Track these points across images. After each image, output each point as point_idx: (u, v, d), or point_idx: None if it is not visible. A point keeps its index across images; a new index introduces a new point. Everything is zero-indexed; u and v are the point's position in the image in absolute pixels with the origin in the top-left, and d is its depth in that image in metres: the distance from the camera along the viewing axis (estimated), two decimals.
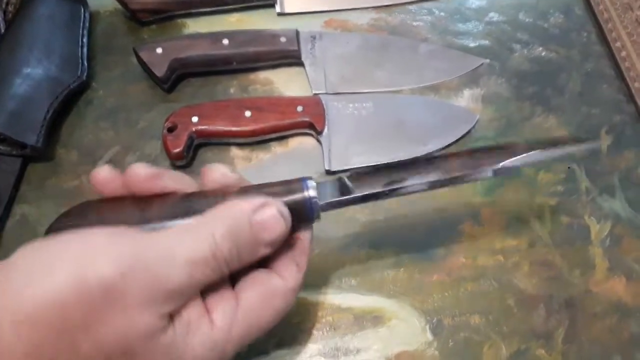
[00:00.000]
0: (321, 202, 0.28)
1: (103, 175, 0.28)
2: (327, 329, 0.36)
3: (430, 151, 0.44)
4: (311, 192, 0.28)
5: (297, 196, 0.28)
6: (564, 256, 0.40)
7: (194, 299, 0.25)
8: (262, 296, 0.27)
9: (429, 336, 0.36)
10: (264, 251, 0.27)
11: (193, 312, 0.24)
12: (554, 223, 0.41)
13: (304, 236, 0.29)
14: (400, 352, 0.36)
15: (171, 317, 0.24)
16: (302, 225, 0.29)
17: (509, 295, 0.38)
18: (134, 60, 0.46)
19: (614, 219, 0.41)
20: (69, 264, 0.21)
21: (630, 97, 0.48)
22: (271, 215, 0.26)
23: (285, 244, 0.28)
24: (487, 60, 0.49)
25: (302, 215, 0.28)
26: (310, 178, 0.29)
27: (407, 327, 0.37)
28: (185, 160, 0.42)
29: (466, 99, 0.47)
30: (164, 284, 0.23)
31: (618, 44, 0.50)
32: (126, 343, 0.22)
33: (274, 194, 0.28)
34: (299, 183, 0.28)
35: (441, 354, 0.36)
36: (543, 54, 0.50)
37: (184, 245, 0.24)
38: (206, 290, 0.26)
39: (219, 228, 0.25)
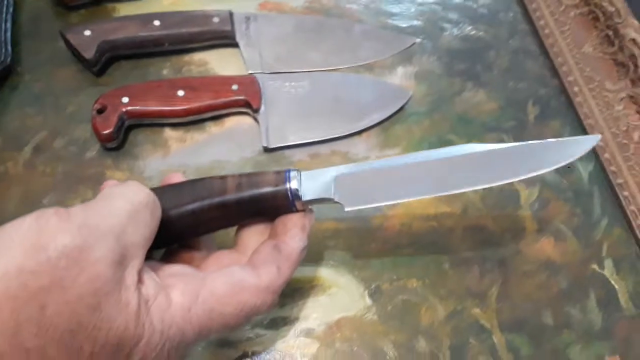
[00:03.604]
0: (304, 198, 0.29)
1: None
2: None
3: (366, 127, 0.44)
4: (292, 184, 0.28)
5: (278, 188, 0.28)
6: (496, 220, 0.41)
7: (145, 271, 0.25)
8: (229, 285, 0.26)
9: (368, 301, 0.37)
10: None
11: (150, 285, 0.24)
12: (485, 190, 0.42)
13: (295, 244, 0.29)
14: (340, 318, 0.36)
15: (135, 287, 0.23)
16: (279, 212, 0.29)
17: (445, 259, 0.39)
18: (62, 44, 0.45)
19: (541, 184, 0.43)
20: (26, 237, 0.21)
21: (554, 72, 0.50)
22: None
23: (273, 246, 0.28)
24: (419, 40, 0.50)
25: (281, 201, 0.29)
26: (294, 169, 0.29)
27: (346, 294, 0.37)
28: (116, 142, 0.41)
29: (400, 76, 0.48)
30: (120, 235, 0.23)
31: (542, 22, 0.53)
32: (94, 299, 0.21)
33: (256, 184, 0.28)
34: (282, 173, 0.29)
35: (380, 318, 0.36)
36: (472, 32, 0.52)
37: (125, 197, 0.25)
38: (173, 273, 0.26)
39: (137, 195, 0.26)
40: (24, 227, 0.21)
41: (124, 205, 0.24)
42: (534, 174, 0.30)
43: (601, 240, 0.41)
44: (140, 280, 0.24)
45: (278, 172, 0.29)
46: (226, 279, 0.26)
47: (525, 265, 0.40)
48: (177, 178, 0.31)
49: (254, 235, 0.30)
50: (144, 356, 0.23)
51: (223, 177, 0.29)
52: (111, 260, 0.22)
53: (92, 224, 0.22)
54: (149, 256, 0.26)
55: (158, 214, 0.26)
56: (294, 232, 0.29)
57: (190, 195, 0.28)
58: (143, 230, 0.24)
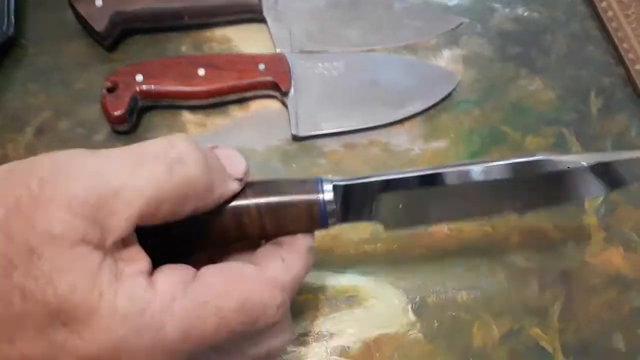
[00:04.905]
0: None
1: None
2: (295, 311, 0.31)
3: (408, 114, 0.39)
4: (326, 195, 0.24)
5: (310, 197, 0.24)
6: (557, 226, 0.36)
7: (134, 245, 0.20)
8: (227, 276, 0.21)
9: (411, 317, 0.32)
10: (233, 185, 0.23)
11: (133, 258, 0.19)
12: None
13: (297, 239, 0.24)
14: (379, 335, 0.31)
15: (104, 251, 0.19)
16: (305, 229, 0.24)
17: (499, 269, 0.34)
18: (71, 15, 0.40)
19: None
20: None
21: (619, 59, 0.45)
22: (229, 150, 0.23)
23: (272, 242, 0.24)
24: (467, 20, 0.45)
25: (311, 217, 0.24)
26: (327, 179, 0.24)
27: (386, 307, 0.32)
28: (128, 125, 0.37)
29: (445, 59, 0.43)
30: (98, 182, 0.19)
31: (604, 4, 0.47)
32: (37, 239, 0.17)
33: (285, 190, 0.24)
34: (313, 184, 0.24)
35: (426, 336, 0.31)
36: (525, 14, 0.46)
37: (131, 147, 0.21)
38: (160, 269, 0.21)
39: (181, 136, 0.21)
40: None
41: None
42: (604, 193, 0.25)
43: None
44: (120, 245, 0.19)
45: (304, 182, 0.24)
46: (223, 268, 0.22)
47: (592, 279, 0.34)
48: (227, 151, 0.24)
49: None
50: (92, 340, 0.18)
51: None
52: (79, 201, 0.18)
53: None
54: None
55: (192, 168, 0.20)
56: None
57: None
58: (155, 176, 0.19)
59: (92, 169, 0.19)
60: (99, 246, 0.18)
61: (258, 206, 0.23)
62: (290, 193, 0.23)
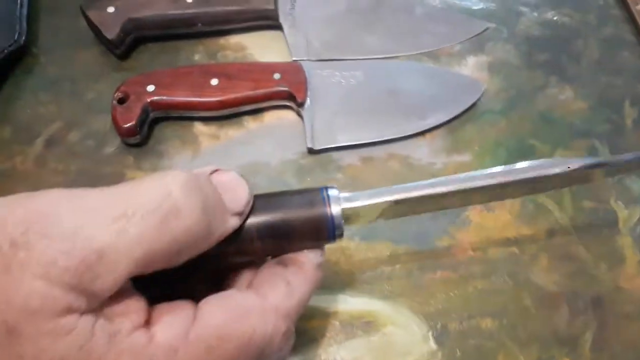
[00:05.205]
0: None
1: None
2: (308, 337, 0.30)
3: (430, 126, 0.37)
4: (333, 209, 0.22)
5: (316, 210, 0.22)
6: (589, 247, 0.34)
7: (128, 294, 0.18)
8: (229, 312, 0.20)
9: (432, 345, 0.30)
10: (233, 222, 0.21)
11: (125, 315, 0.18)
12: (575, 208, 0.35)
13: (304, 257, 0.22)
14: None
15: (95, 312, 0.17)
16: (312, 245, 0.23)
17: (526, 293, 0.32)
18: (84, 23, 0.39)
19: None
20: None
21: None
22: (231, 177, 0.21)
23: (277, 262, 0.22)
24: (493, 25, 0.43)
25: (318, 232, 0.22)
26: (333, 187, 0.23)
27: (405, 334, 0.30)
28: (139, 137, 0.35)
29: (470, 67, 0.41)
30: (79, 244, 0.16)
31: (639, 7, 0.44)
32: (11, 318, 0.16)
33: (287, 205, 0.22)
34: (318, 192, 0.22)
35: None
36: (555, 18, 0.44)
37: (120, 193, 0.18)
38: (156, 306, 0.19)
39: (176, 178, 0.19)
40: None
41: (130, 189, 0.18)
42: None
43: None
44: (112, 300, 0.18)
45: (309, 193, 0.22)
46: (223, 303, 0.20)
47: (627, 305, 0.32)
48: (229, 178, 0.22)
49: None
50: None
51: None
52: (58, 269, 0.16)
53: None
54: None
55: (188, 220, 0.18)
56: None
57: None
58: (146, 233, 0.18)
59: (71, 226, 0.17)
60: (88, 310, 0.17)
61: (258, 229, 0.21)
62: (294, 207, 0.22)
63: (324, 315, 0.31)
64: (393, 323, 0.31)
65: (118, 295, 0.18)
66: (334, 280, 0.32)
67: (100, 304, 0.17)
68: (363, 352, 0.30)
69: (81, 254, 0.16)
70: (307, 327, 0.30)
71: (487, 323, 0.31)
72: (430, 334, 0.30)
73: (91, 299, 0.17)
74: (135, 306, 0.18)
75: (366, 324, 0.30)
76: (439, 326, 0.31)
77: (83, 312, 0.17)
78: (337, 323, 0.30)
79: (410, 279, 0.32)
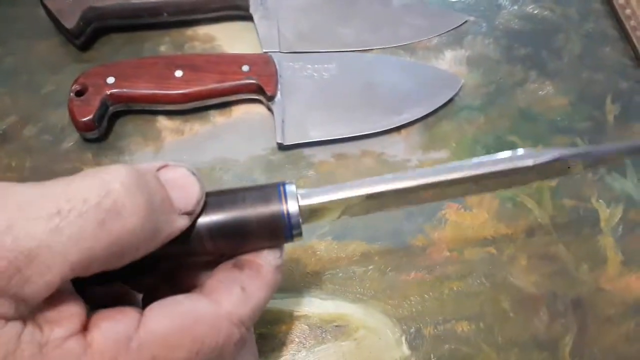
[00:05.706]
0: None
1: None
2: (276, 342, 0.28)
3: (406, 122, 0.36)
4: (290, 206, 0.20)
5: (271, 208, 0.20)
6: (569, 247, 0.33)
7: (64, 298, 0.17)
8: (177, 320, 0.18)
9: (406, 350, 0.29)
10: (181, 222, 0.19)
11: (58, 322, 0.16)
12: (555, 207, 0.34)
13: (262, 259, 0.21)
14: None
15: (23, 319, 0.16)
16: (268, 245, 0.21)
17: (504, 296, 0.31)
18: (43, 12, 0.37)
19: (626, 202, 0.35)
20: None
21: (637, 61, 0.41)
22: (181, 174, 0.19)
23: (232, 264, 0.20)
24: (472, 18, 0.42)
25: (274, 232, 0.20)
26: (291, 182, 0.21)
27: (377, 339, 0.29)
28: (98, 132, 0.33)
29: (448, 61, 0.40)
30: (7, 244, 0.15)
31: (622, 1, 0.44)
32: None
33: (241, 203, 0.20)
34: (275, 189, 0.20)
35: None
36: (536, 11, 0.43)
37: (54, 189, 0.16)
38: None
39: (118, 174, 0.17)
40: None
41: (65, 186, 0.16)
42: None
43: None
44: (44, 306, 0.16)
45: (263, 190, 0.21)
46: (170, 310, 0.18)
47: (608, 308, 0.31)
48: (178, 174, 0.20)
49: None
50: None
51: None
52: None
53: None
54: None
55: (130, 220, 0.17)
56: None
57: None
58: (83, 232, 0.16)
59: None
60: (15, 316, 0.15)
61: (210, 228, 0.20)
62: (248, 205, 0.20)
63: (293, 319, 0.29)
64: (365, 327, 0.29)
65: (52, 300, 0.16)
66: (303, 282, 0.30)
67: (30, 309, 0.16)
68: (333, 357, 0.28)
69: (9, 255, 0.15)
70: (274, 332, 0.29)
71: (463, 327, 0.30)
72: (403, 338, 0.29)
73: (20, 304, 0.15)
74: (70, 311, 0.17)
75: (337, 328, 0.29)
76: (412, 330, 0.29)
77: (9, 319, 0.15)
78: (306, 327, 0.29)
79: (383, 281, 0.30)
